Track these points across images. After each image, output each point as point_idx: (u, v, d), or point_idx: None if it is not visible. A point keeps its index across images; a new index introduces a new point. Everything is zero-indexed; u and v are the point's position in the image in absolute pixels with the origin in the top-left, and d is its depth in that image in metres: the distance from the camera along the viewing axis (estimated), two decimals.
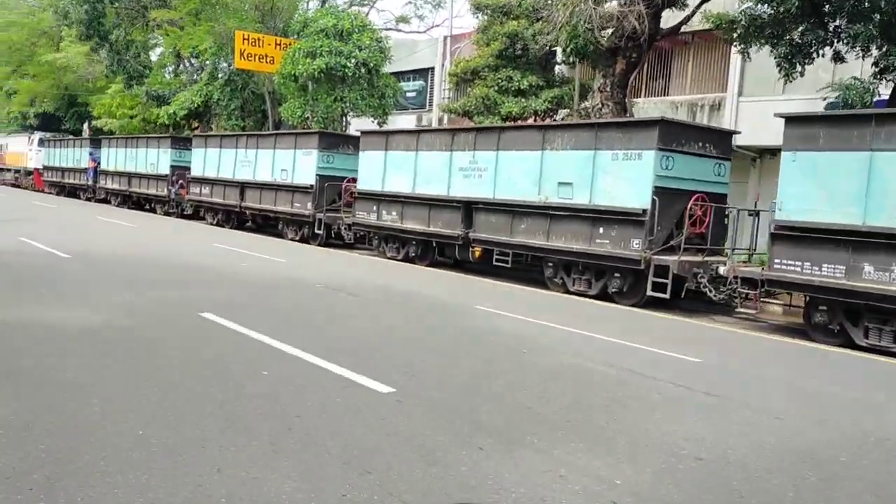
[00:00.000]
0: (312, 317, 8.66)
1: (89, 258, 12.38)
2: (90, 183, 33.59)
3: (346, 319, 8.62)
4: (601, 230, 12.40)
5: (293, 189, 20.10)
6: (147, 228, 20.76)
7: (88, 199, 33.71)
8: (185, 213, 26.28)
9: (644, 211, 11.76)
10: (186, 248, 16.18)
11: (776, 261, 10.11)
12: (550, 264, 13.43)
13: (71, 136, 37.33)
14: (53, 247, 13.13)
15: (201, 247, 16.45)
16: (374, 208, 17.17)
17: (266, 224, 22.32)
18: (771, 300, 12.01)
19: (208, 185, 24.22)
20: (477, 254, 14.96)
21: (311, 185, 19.33)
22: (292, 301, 9.75)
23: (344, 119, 23.08)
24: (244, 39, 23.94)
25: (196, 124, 31.87)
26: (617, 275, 12.28)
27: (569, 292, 13.05)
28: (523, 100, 18.95)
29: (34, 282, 9.55)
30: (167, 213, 27.15)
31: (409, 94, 27.17)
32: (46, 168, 39.10)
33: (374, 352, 6.83)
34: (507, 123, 14.53)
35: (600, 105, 15.38)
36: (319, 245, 19.43)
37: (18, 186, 43.38)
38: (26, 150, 42.03)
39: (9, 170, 45.70)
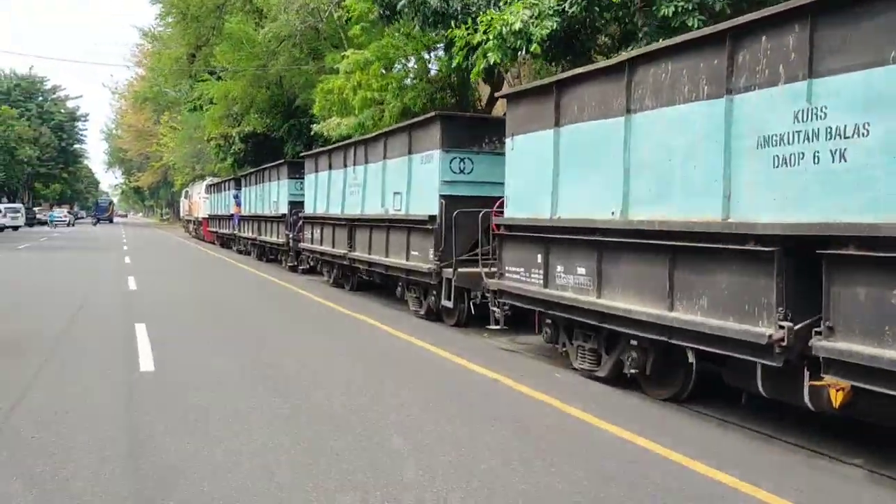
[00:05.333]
0: None
1: None
2: (235, 231, 27.98)
3: None
4: None
5: (408, 225, 11.27)
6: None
7: (240, 252, 28.02)
8: (303, 267, 18.73)
9: None
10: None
11: None
12: None
13: (224, 178, 32.46)
14: None
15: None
16: (539, 258, 7.62)
17: (394, 284, 13.64)
18: None
19: (318, 227, 16.35)
20: (837, 399, 4.76)
21: (433, 217, 10.33)
22: None
23: None
24: None
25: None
26: None
27: None
28: None
29: None
30: (292, 268, 19.81)
31: None
32: (211, 217, 34.85)
33: None
34: None
35: None
36: (457, 325, 10.34)
37: (199, 238, 40.11)
38: (198, 198, 38.62)
39: (192, 221, 43.07)
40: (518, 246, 8.07)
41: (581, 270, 6.95)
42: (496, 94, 8.74)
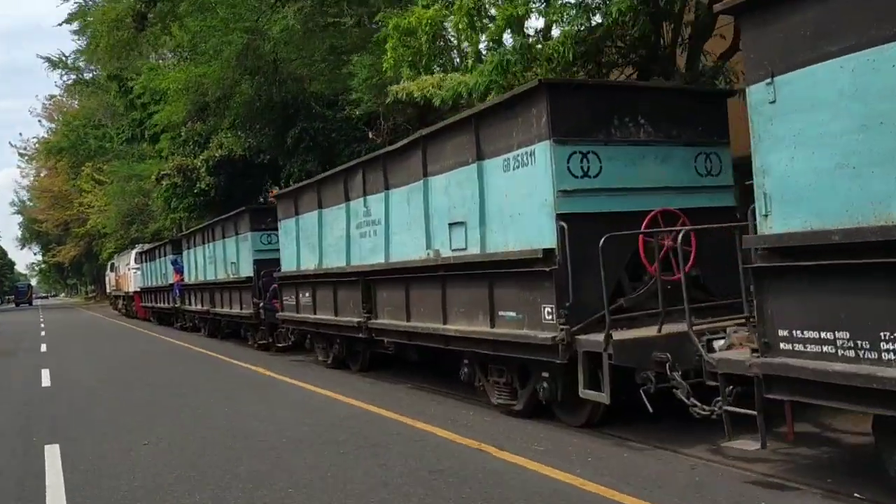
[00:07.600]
0: None
1: None
2: (177, 305, 23.04)
3: None
4: None
5: (489, 271, 7.07)
6: None
7: (185, 329, 22.94)
8: (282, 344, 14.21)
9: None
10: None
11: None
12: None
13: (156, 244, 27.53)
14: None
15: None
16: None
17: (442, 360, 9.29)
18: None
19: (307, 288, 11.94)
20: None
21: (549, 253, 6.22)
22: None
23: None
24: None
25: None
26: None
27: None
28: None
29: None
30: (263, 346, 15.17)
31: None
32: (144, 290, 29.63)
33: None
34: None
35: None
36: (587, 425, 6.20)
37: (132, 316, 34.48)
38: (126, 270, 33.28)
39: (121, 297, 37.46)
40: (817, 288, 4.04)
41: None
42: (716, 7, 4.57)
